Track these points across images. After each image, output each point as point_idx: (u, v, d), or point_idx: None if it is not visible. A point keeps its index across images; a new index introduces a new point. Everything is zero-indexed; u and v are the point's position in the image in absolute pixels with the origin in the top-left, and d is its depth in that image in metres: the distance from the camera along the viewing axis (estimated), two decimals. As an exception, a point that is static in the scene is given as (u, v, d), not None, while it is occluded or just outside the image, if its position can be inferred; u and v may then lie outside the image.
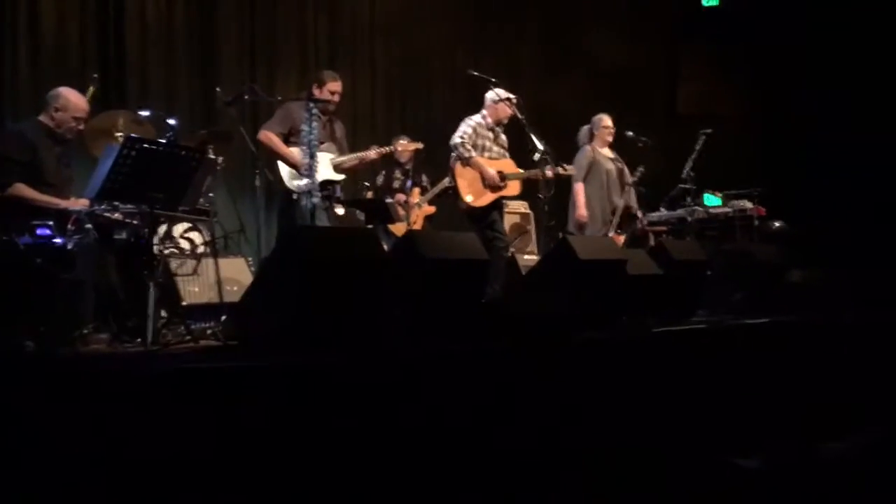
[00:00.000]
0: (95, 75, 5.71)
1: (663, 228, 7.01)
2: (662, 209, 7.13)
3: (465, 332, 3.71)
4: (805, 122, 8.76)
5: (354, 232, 4.36)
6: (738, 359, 4.51)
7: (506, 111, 5.95)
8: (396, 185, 7.29)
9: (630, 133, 6.81)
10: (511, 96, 5.95)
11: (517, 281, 5.68)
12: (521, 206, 7.77)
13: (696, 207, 6.91)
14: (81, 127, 4.65)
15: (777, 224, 7.09)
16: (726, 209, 7.05)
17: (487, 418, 3.31)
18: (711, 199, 7.29)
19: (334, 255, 3.47)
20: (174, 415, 2.71)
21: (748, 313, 5.23)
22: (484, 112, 6.07)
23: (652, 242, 6.53)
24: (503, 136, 6.16)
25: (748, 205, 6.93)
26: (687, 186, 6.78)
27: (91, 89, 5.33)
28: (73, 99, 4.55)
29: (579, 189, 6.54)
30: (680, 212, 6.98)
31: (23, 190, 4.29)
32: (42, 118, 4.54)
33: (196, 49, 7.21)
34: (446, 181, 6.49)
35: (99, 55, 6.60)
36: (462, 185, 5.88)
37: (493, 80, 5.98)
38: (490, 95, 6.03)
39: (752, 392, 4.23)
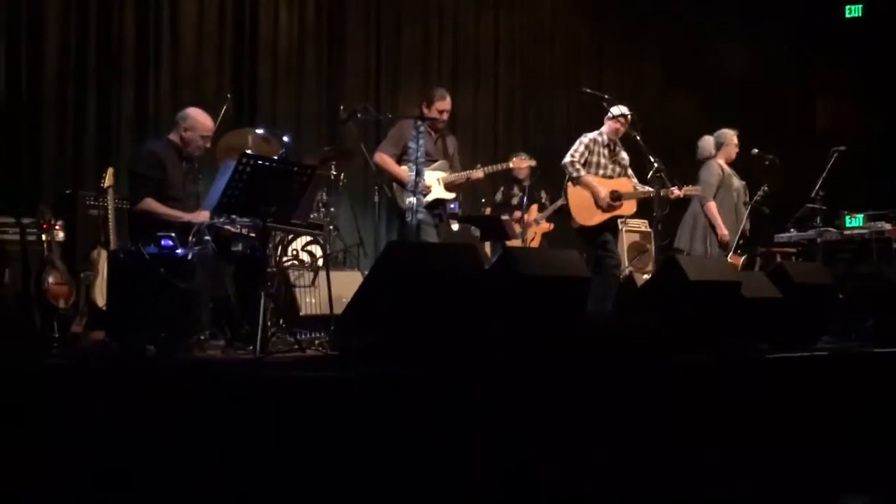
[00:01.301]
0: (229, 95, 6.08)
1: (792, 250, 6.69)
2: (792, 230, 6.80)
3: (560, 350, 3.67)
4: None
5: (452, 248, 4.39)
6: (860, 390, 4.25)
7: (617, 127, 5.87)
8: (514, 201, 7.29)
9: (756, 150, 6.52)
10: (625, 112, 5.86)
11: (627, 300, 5.56)
12: (642, 225, 7.62)
13: (828, 229, 6.54)
14: (208, 145, 4.88)
15: (920, 248, 6.60)
16: (862, 230, 6.63)
17: (574, 436, 3.28)
18: (851, 220, 6.87)
19: (426, 270, 3.53)
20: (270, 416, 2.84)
21: (878, 341, 4.91)
22: (603, 129, 6.01)
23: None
24: (624, 154, 6.04)
25: (887, 226, 6.49)
26: (816, 206, 6.43)
27: (225, 108, 5.70)
28: (200, 119, 4.78)
29: (712, 207, 6.16)
30: (810, 233, 6.63)
31: (152, 204, 4.58)
32: (172, 137, 4.81)
33: (324, 71, 7.59)
34: (563, 199, 6.45)
35: (233, 80, 7.05)
36: (573, 204, 5.83)
37: (606, 96, 5.92)
38: (609, 112, 5.97)
39: (868, 425, 3.97)
